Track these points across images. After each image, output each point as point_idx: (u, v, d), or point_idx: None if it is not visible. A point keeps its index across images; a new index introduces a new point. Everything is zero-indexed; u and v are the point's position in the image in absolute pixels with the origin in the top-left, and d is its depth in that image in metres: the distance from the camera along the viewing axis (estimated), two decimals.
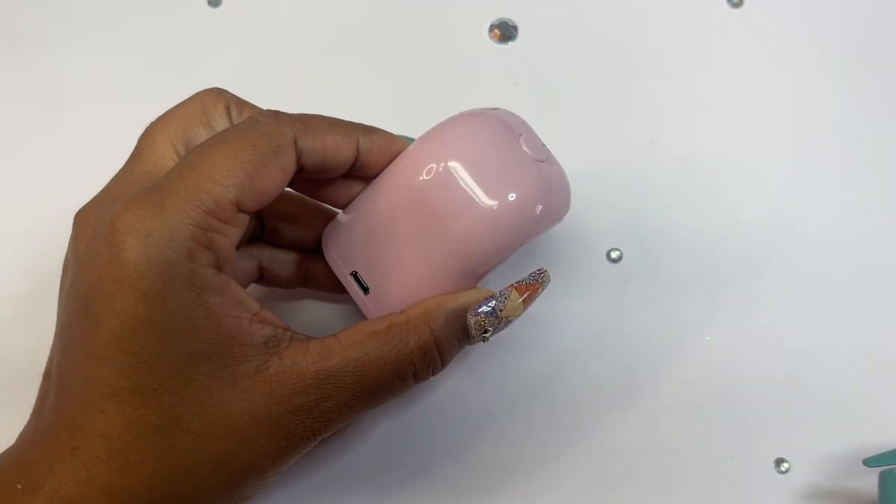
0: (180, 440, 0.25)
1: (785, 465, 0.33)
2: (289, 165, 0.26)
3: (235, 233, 0.26)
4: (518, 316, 0.28)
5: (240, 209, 0.25)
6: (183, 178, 0.25)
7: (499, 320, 0.28)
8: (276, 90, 0.38)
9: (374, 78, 0.38)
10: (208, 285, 0.25)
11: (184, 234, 0.24)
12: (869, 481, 0.33)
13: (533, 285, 0.28)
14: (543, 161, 0.28)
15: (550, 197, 0.28)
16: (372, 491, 0.33)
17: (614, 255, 0.36)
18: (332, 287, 0.32)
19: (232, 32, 0.38)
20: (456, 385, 0.34)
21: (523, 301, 0.28)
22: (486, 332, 0.28)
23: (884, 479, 0.30)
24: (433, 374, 0.28)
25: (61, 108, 0.37)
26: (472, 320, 0.27)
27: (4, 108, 0.37)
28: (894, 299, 0.35)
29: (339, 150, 0.28)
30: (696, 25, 0.38)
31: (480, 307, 0.28)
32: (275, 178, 0.26)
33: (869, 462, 0.31)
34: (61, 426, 0.25)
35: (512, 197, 0.27)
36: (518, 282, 0.28)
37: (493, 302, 0.28)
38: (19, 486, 0.25)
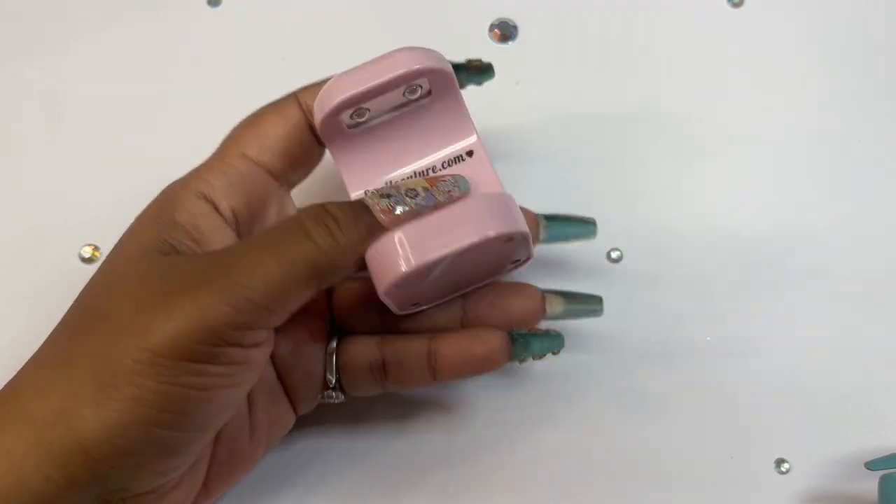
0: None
1: (785, 466, 0.33)
2: (290, 111, 0.30)
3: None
4: (420, 195, 0.28)
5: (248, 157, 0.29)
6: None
7: (396, 187, 0.28)
8: (276, 90, 0.38)
9: None
10: None
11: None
12: (870, 482, 0.32)
13: (440, 177, 0.29)
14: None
15: None
16: (366, 491, 0.33)
17: (614, 255, 0.36)
18: None
19: (232, 32, 0.38)
20: (454, 385, 0.34)
21: (427, 182, 0.28)
22: (387, 197, 0.27)
23: (884, 482, 0.30)
24: (335, 241, 0.26)
25: (61, 108, 0.37)
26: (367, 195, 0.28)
27: (4, 108, 0.37)
28: (894, 299, 0.35)
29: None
30: (696, 25, 0.38)
31: None
32: (276, 124, 0.30)
33: (871, 465, 0.31)
34: None
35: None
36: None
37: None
38: None
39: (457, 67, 0.30)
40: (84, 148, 0.37)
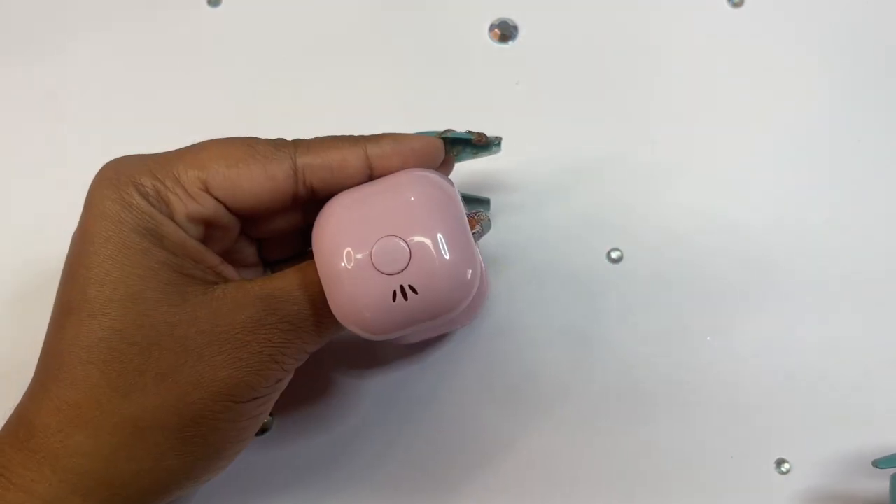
0: (124, 352, 0.25)
1: (786, 466, 0.33)
2: (279, 175, 0.27)
3: (196, 210, 0.27)
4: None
5: (208, 191, 0.27)
6: (175, 152, 0.27)
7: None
8: (276, 90, 0.38)
9: (374, 78, 0.38)
10: (163, 214, 0.26)
11: (147, 181, 0.26)
12: (870, 482, 0.32)
13: (479, 216, 0.29)
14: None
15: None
16: (367, 491, 0.33)
17: (614, 255, 0.36)
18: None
19: (232, 32, 0.38)
20: (456, 387, 0.34)
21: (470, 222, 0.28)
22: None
23: None
24: None
25: (61, 108, 0.37)
26: None
27: (4, 108, 0.37)
28: (894, 299, 0.35)
29: (346, 162, 0.27)
30: (696, 25, 0.38)
31: None
32: (256, 179, 0.27)
33: (879, 463, 0.31)
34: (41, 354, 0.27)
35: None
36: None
37: None
38: None
39: (458, 141, 0.29)
40: (84, 148, 0.37)
